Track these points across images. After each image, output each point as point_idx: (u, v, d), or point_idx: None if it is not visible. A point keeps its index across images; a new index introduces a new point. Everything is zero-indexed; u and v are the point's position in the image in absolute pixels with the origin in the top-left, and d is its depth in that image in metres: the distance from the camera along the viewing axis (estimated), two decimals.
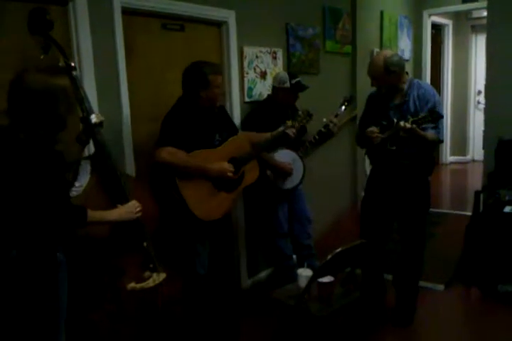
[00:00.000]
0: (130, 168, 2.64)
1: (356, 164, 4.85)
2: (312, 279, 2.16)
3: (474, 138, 7.38)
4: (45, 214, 1.60)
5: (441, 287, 3.25)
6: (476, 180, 6.88)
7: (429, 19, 6.23)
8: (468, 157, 7.45)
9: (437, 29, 6.91)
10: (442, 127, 2.70)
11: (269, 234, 3.25)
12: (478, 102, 7.24)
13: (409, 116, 2.55)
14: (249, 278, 3.54)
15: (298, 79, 3.14)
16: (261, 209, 3.28)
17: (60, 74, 1.71)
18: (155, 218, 2.20)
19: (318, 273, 2.17)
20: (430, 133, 2.62)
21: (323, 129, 3.24)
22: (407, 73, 2.73)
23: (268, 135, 2.87)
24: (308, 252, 3.36)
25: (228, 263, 3.26)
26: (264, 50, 3.57)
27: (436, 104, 2.66)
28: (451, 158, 7.44)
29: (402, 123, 2.50)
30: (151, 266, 2.09)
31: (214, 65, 2.62)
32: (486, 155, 3.96)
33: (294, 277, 2.46)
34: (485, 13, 7.19)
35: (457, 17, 7.21)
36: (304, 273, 2.35)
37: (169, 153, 2.41)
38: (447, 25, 7.12)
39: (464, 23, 7.31)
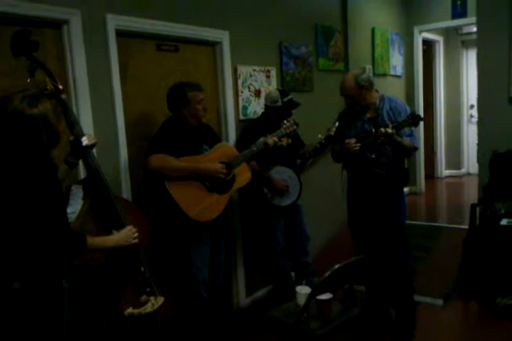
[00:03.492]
0: (126, 190, 2.66)
1: None
2: (311, 297, 2.15)
3: (469, 151, 7.42)
4: (47, 242, 1.57)
5: (440, 302, 3.24)
6: (471, 194, 6.88)
7: (420, 35, 6.32)
8: (463, 170, 7.48)
9: (428, 45, 7.01)
10: (416, 136, 2.82)
11: (267, 251, 3.25)
12: (471, 116, 7.31)
13: (388, 122, 2.64)
14: (247, 297, 3.52)
15: (289, 96, 3.18)
16: (258, 227, 3.28)
17: (41, 100, 1.63)
18: (149, 240, 2.18)
19: (316, 290, 2.16)
20: (406, 140, 2.70)
21: (318, 145, 3.26)
22: (377, 91, 2.86)
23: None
24: (306, 269, 3.36)
25: (226, 281, 3.24)
26: (257, 68, 3.62)
27: (408, 114, 2.74)
28: (446, 172, 7.47)
29: (383, 129, 2.57)
30: (148, 289, 2.05)
31: (193, 84, 2.70)
32: (480, 168, 3.99)
33: (293, 294, 2.45)
34: (475, 29, 7.37)
35: (448, 33, 7.32)
36: (303, 290, 2.34)
37: (158, 159, 2.45)
38: (438, 41, 7.23)
39: (455, 38, 7.43)
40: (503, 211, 3.34)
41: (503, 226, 3.21)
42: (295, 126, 3.03)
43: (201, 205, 2.55)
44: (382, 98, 2.84)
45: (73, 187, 1.99)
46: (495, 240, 3.21)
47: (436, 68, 7.29)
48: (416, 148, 2.81)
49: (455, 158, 7.45)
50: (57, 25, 2.38)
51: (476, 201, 3.78)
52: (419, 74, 6.29)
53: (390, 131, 2.54)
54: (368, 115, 2.83)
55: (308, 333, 2.17)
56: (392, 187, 2.82)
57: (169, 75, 2.97)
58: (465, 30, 7.34)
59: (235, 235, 3.39)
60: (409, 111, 2.81)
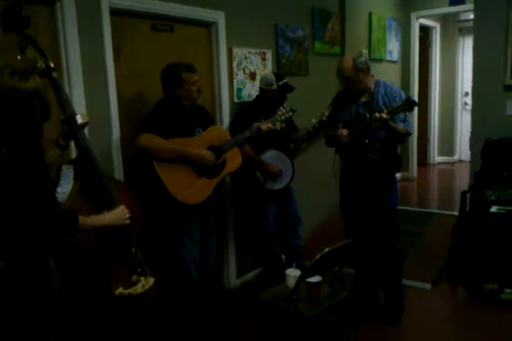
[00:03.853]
0: (118, 170, 2.65)
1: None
2: (300, 279, 2.17)
3: (461, 138, 7.46)
4: (36, 222, 1.56)
5: (428, 286, 3.29)
6: (463, 180, 6.94)
7: (417, 21, 6.28)
8: (456, 157, 7.53)
9: (425, 31, 6.97)
10: (410, 121, 2.82)
11: (258, 234, 3.26)
12: (466, 103, 7.32)
13: (383, 107, 2.65)
14: (238, 278, 3.55)
15: (285, 80, 3.15)
16: (250, 210, 3.29)
17: (32, 75, 1.58)
18: (141, 222, 2.18)
19: (306, 273, 2.18)
20: (400, 126, 2.71)
21: (311, 130, 3.26)
22: (372, 76, 2.85)
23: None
24: (297, 252, 3.38)
25: (217, 263, 3.26)
26: (253, 51, 3.58)
27: (403, 99, 2.73)
28: (438, 159, 7.51)
29: (377, 114, 2.58)
30: (139, 270, 2.06)
31: (187, 65, 2.68)
32: (472, 155, 4.01)
33: (283, 277, 2.47)
34: (472, 16, 7.33)
35: (445, 19, 7.27)
36: (292, 273, 2.36)
37: (147, 139, 2.44)
38: (435, 27, 7.18)
39: (452, 25, 7.38)
40: (493, 198, 3.37)
41: (493, 213, 3.24)
42: (291, 113, 3.02)
43: (190, 189, 2.54)
44: (377, 83, 2.84)
45: (63, 167, 1.97)
46: (484, 227, 3.24)
47: (433, 55, 7.27)
48: (409, 134, 2.82)
49: (448, 145, 7.49)
50: (50, 2, 2.33)
51: (467, 188, 3.82)
52: (415, 61, 6.26)
53: (384, 116, 2.55)
54: (363, 99, 2.83)
55: (298, 315, 2.20)
56: (385, 172, 2.83)
57: (164, 55, 2.93)
58: (463, 17, 7.29)
59: (227, 218, 3.41)
60: (404, 96, 2.81)
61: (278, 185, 3.18)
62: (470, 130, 4.27)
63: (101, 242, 1.97)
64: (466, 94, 7.24)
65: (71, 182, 1.93)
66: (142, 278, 2.05)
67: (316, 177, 4.24)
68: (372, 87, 2.81)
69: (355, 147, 2.78)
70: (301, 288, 2.28)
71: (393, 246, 2.84)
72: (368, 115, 2.70)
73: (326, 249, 2.16)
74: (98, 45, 2.53)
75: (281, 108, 2.97)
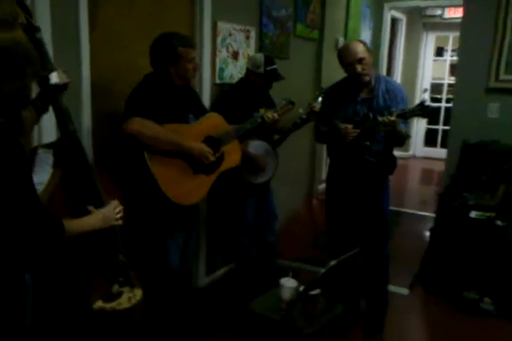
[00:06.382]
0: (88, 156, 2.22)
1: (315, 156, 4.68)
2: (303, 294, 1.93)
3: (417, 133, 7.50)
4: (11, 228, 1.20)
5: (405, 291, 3.18)
6: (418, 177, 7.03)
7: (389, 12, 6.15)
8: (411, 152, 7.58)
9: (392, 23, 6.87)
10: (408, 122, 2.60)
11: (234, 230, 2.98)
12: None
13: (392, 109, 2.39)
14: (207, 276, 3.26)
15: (274, 66, 2.85)
16: (227, 204, 2.99)
17: (14, 25, 1.25)
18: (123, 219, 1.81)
19: (310, 287, 1.94)
20: (403, 129, 2.49)
21: (298, 121, 3.00)
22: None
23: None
24: (271, 250, 3.15)
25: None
26: (237, 27, 3.24)
27: (404, 99, 2.57)
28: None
29: (385, 117, 2.34)
30: (122, 279, 1.69)
31: (186, 38, 2.31)
32: (448, 156, 3.92)
33: (254, 275, 2.19)
34: (438, 12, 7.32)
35: (411, 13, 7.21)
36: (288, 283, 2.10)
37: (139, 123, 2.06)
38: (401, 19, 7.11)
39: (417, 19, 7.34)
40: (471, 202, 3.31)
41: (473, 218, 3.17)
42: (290, 105, 2.74)
43: (184, 187, 2.21)
44: (378, 77, 2.58)
45: (40, 151, 1.56)
46: (463, 232, 3.16)
47: (397, 48, 7.20)
48: (409, 137, 2.62)
49: None
50: None
51: (427, 186, 3.72)
52: (385, 53, 6.15)
53: (392, 118, 2.30)
54: (362, 95, 2.56)
55: (296, 332, 1.96)
56: (380, 175, 2.64)
57: (143, 23, 2.54)
58: (428, 12, 7.28)
59: (198, 211, 3.08)
60: (405, 95, 2.59)
61: (261, 179, 2.90)
62: (448, 129, 4.16)
63: (80, 245, 1.59)
64: (425, 90, 7.25)
65: (49, 170, 1.53)
66: (126, 289, 1.70)
67: (288, 170, 3.99)
68: (373, 82, 2.54)
69: (352, 148, 2.54)
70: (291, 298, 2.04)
71: (381, 252, 2.67)
72: (371, 115, 2.44)
73: (332, 262, 1.93)
74: (71, 6, 2.09)
75: (282, 101, 2.72)
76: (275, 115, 2.64)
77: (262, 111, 2.83)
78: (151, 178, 2.08)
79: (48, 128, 1.97)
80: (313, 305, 2.08)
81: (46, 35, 1.94)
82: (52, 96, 1.56)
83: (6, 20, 1.23)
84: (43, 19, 1.94)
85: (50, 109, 1.61)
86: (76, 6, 2.11)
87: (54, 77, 1.56)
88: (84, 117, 2.22)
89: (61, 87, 1.59)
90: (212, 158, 2.28)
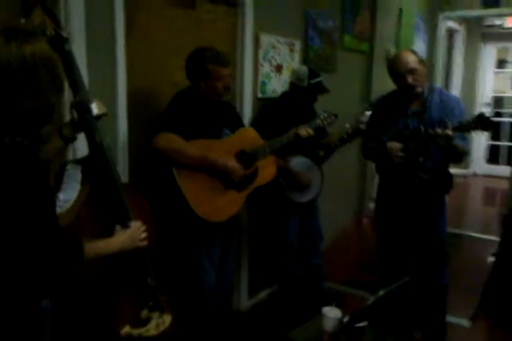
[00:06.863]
0: (123, 172, 2.13)
1: (365, 172, 4.45)
2: (347, 325, 1.73)
3: (479, 150, 7.04)
4: (27, 252, 1.11)
5: (466, 322, 2.86)
6: (479, 196, 6.56)
7: (444, 22, 5.85)
8: (470, 170, 7.11)
9: (449, 34, 6.57)
10: (468, 138, 2.36)
11: (278, 252, 2.80)
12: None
13: (448, 122, 2.17)
14: (249, 300, 3.09)
15: (319, 79, 2.70)
16: (270, 224, 2.82)
17: (36, 36, 1.17)
18: (153, 240, 1.69)
19: (355, 318, 1.74)
20: (460, 145, 2.25)
21: (344, 136, 2.83)
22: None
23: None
24: (317, 273, 2.95)
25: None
26: (282, 40, 3.12)
27: (463, 112, 2.34)
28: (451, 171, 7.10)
29: (440, 129, 2.12)
30: (151, 303, 1.57)
31: (219, 55, 2.17)
32: None
33: (299, 299, 2.04)
34: (498, 22, 6.95)
35: (468, 23, 6.88)
36: (331, 313, 1.90)
37: (167, 140, 2.00)
38: (459, 30, 6.80)
39: (476, 30, 7.00)
40: None
41: None
42: (333, 117, 2.58)
43: (214, 203, 2.09)
44: (431, 88, 2.38)
45: (69, 167, 1.48)
46: None
47: (454, 60, 6.88)
48: (468, 154, 2.38)
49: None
50: None
51: (490, 207, 3.40)
52: (440, 64, 5.83)
53: (450, 132, 2.09)
54: (413, 108, 2.36)
55: None
56: (435, 193, 2.40)
57: (183, 36, 2.46)
58: (487, 22, 6.93)
59: (241, 232, 2.94)
60: (463, 108, 2.37)
61: (305, 198, 2.72)
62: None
63: (104, 270, 1.48)
64: (488, 104, 6.83)
65: (78, 187, 1.44)
66: (155, 315, 1.57)
67: (336, 188, 3.79)
68: (426, 93, 2.35)
69: (404, 165, 2.33)
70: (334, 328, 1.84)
71: (439, 278, 2.42)
72: (422, 128, 2.25)
73: (381, 292, 1.71)
74: (108, 15, 2.03)
75: (322, 112, 2.55)
76: (310, 131, 2.49)
77: (301, 126, 2.69)
78: (179, 194, 1.97)
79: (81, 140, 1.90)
80: (359, 338, 1.87)
81: (80, 45, 1.90)
82: (88, 124, 1.48)
83: (29, 32, 1.16)
84: (78, 29, 1.89)
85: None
86: (112, 17, 2.05)
87: (94, 108, 1.50)
88: (120, 132, 2.15)
89: (98, 117, 1.53)
90: (240, 173, 2.15)
